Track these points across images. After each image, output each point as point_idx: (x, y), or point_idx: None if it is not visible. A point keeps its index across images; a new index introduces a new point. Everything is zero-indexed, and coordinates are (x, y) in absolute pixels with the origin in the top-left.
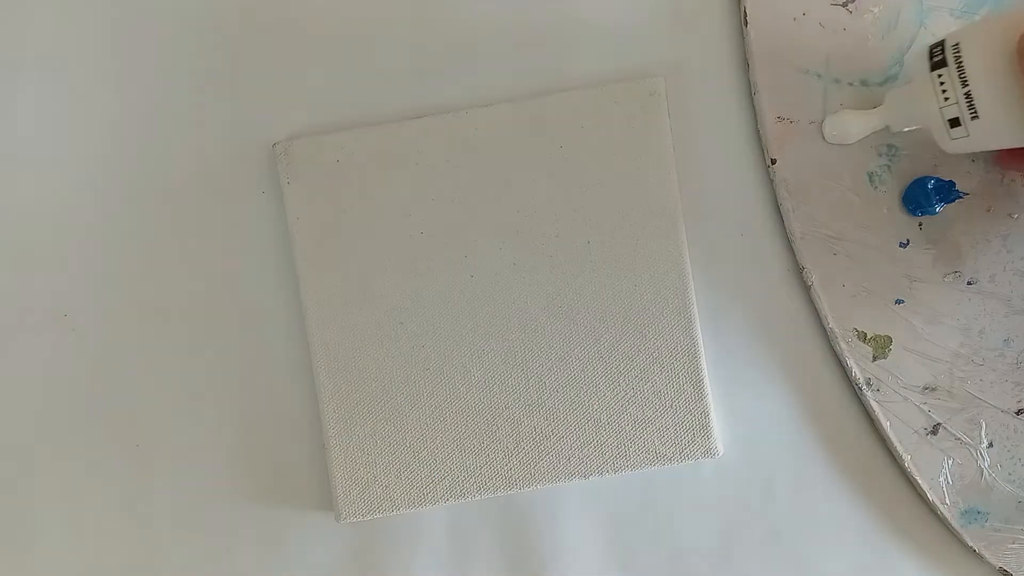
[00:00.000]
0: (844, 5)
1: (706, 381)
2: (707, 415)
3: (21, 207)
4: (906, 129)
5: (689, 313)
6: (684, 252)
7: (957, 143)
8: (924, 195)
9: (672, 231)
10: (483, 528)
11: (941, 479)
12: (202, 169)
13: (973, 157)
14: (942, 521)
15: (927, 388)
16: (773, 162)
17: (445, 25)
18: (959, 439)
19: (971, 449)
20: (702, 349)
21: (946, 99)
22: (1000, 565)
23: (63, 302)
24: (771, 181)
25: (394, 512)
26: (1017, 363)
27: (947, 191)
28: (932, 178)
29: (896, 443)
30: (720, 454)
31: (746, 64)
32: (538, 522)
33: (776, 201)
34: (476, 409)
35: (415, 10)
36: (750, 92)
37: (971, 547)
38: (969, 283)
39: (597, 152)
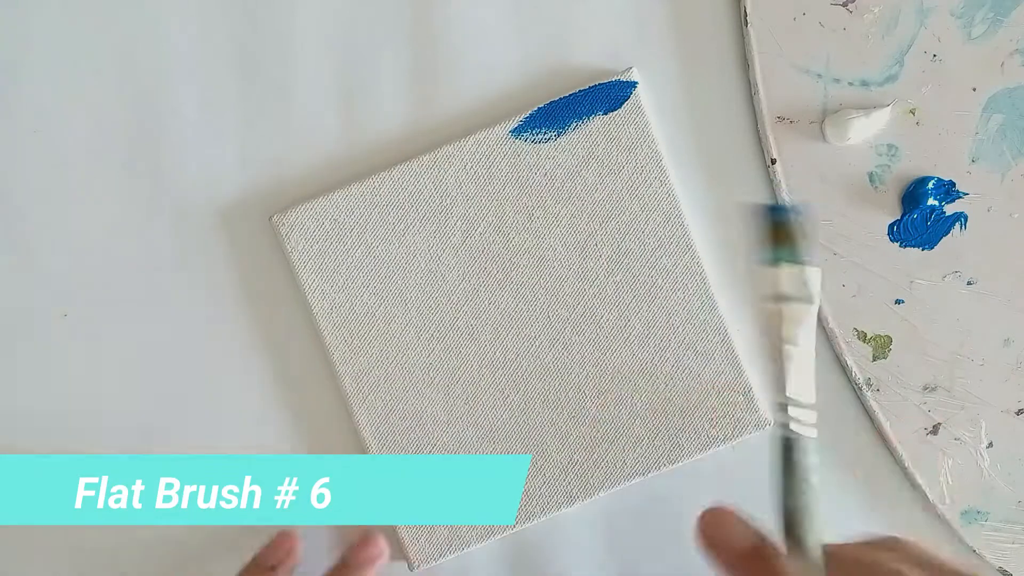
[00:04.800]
0: (844, 5)
1: (741, 357)
2: (750, 389)
3: (22, 206)
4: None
5: (708, 291)
6: (692, 241)
7: None
8: (924, 195)
9: (676, 220)
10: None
11: (941, 479)
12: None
13: (974, 157)
14: (942, 521)
15: (927, 388)
16: (773, 162)
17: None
18: (959, 439)
19: (971, 449)
20: (728, 327)
21: None
22: (1000, 565)
23: (63, 302)
24: (771, 181)
25: (463, 550)
26: (1017, 363)
27: (947, 191)
28: (932, 178)
29: (896, 443)
30: (771, 424)
31: (746, 64)
32: (538, 532)
33: (776, 201)
34: (522, 431)
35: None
36: (750, 92)
37: (971, 547)
38: (969, 283)
39: (591, 160)
